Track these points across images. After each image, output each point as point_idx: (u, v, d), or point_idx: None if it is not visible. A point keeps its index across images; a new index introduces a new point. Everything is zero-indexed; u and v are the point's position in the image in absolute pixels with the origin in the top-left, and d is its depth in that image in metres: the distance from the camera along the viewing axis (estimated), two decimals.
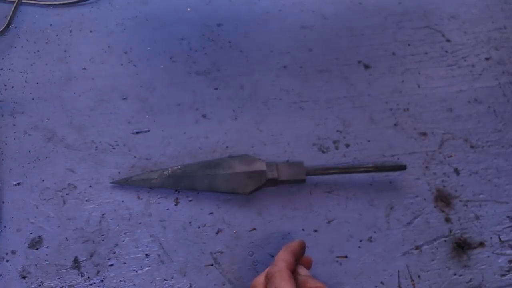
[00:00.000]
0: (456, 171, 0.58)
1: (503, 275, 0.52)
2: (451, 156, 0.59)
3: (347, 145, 0.59)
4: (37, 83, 0.61)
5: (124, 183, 0.54)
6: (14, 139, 0.57)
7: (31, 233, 0.52)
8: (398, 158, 0.58)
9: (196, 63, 0.64)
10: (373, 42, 0.67)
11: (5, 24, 0.65)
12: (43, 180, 0.55)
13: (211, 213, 0.54)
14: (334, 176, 0.56)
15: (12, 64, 0.63)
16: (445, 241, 0.54)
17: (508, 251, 0.53)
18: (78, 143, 0.57)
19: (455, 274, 0.52)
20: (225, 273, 0.51)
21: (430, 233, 0.54)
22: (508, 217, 0.55)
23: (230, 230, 0.53)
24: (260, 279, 0.42)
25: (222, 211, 0.54)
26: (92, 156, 0.57)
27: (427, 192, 0.56)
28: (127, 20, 0.68)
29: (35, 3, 0.68)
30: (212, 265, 0.51)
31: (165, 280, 0.50)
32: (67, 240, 0.52)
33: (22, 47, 0.64)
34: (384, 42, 0.68)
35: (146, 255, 0.51)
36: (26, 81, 0.61)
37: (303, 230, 0.53)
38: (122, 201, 0.54)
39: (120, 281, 0.50)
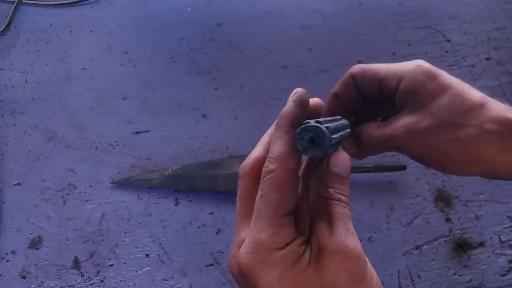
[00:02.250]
0: None
1: (503, 275, 0.52)
2: None
3: None
4: (37, 83, 0.61)
5: (124, 183, 0.54)
6: (14, 139, 0.57)
7: (31, 233, 0.52)
8: (398, 158, 0.58)
9: (196, 63, 0.64)
10: (373, 42, 0.67)
11: (5, 24, 0.65)
12: (43, 180, 0.55)
13: (211, 213, 0.54)
14: None
15: (12, 64, 0.63)
16: (445, 241, 0.54)
17: (508, 251, 0.53)
18: (78, 143, 0.57)
19: (455, 274, 0.52)
20: (225, 273, 0.51)
21: (430, 233, 0.54)
22: (508, 217, 0.55)
23: (230, 230, 0.53)
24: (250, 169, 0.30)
25: (222, 211, 0.54)
26: (92, 156, 0.57)
27: (427, 192, 0.56)
28: (127, 20, 0.68)
29: (35, 3, 0.68)
30: (212, 265, 0.51)
31: (165, 280, 0.50)
32: (67, 240, 0.52)
33: (22, 47, 0.64)
34: (384, 42, 0.68)
35: (146, 255, 0.51)
36: (26, 81, 0.61)
37: None
38: (122, 201, 0.54)
39: (120, 281, 0.50)
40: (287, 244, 0.27)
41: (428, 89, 0.36)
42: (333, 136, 0.27)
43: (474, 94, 0.36)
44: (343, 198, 0.29)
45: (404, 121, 0.36)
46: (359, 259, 0.27)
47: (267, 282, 0.26)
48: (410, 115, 0.36)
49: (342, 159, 0.29)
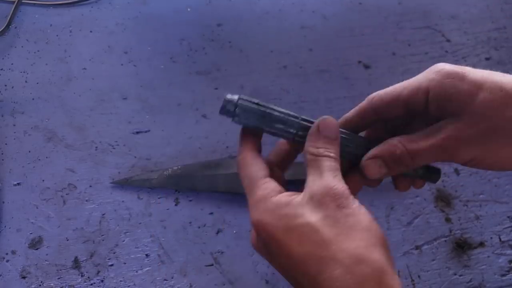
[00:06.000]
0: (456, 171, 0.58)
1: (503, 275, 0.52)
2: None
3: None
4: (37, 83, 0.61)
5: (124, 183, 0.54)
6: (14, 139, 0.57)
7: (31, 233, 0.52)
8: None
9: (196, 63, 0.64)
10: (373, 42, 0.67)
11: (5, 24, 0.65)
12: (43, 180, 0.55)
13: (211, 213, 0.54)
14: None
15: (12, 64, 0.63)
16: (445, 241, 0.54)
17: (508, 251, 0.53)
18: (78, 143, 0.57)
19: (455, 274, 0.52)
20: (225, 273, 0.51)
21: (430, 233, 0.54)
22: (508, 217, 0.55)
23: (230, 230, 0.53)
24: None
25: (222, 211, 0.54)
26: (92, 156, 0.57)
27: (427, 192, 0.56)
28: (127, 20, 0.68)
29: (35, 3, 0.68)
30: (212, 265, 0.51)
31: (165, 280, 0.50)
32: (67, 240, 0.52)
33: (22, 47, 0.64)
34: (384, 42, 0.68)
35: (146, 255, 0.51)
36: (26, 81, 0.61)
37: None
38: (122, 201, 0.54)
39: (120, 281, 0.50)
40: (278, 193, 0.34)
41: (462, 91, 0.33)
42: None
43: (506, 79, 0.34)
44: (331, 154, 0.34)
45: (452, 129, 0.34)
46: (342, 193, 0.32)
47: (260, 216, 0.34)
48: (456, 122, 0.34)
49: (330, 124, 0.35)
